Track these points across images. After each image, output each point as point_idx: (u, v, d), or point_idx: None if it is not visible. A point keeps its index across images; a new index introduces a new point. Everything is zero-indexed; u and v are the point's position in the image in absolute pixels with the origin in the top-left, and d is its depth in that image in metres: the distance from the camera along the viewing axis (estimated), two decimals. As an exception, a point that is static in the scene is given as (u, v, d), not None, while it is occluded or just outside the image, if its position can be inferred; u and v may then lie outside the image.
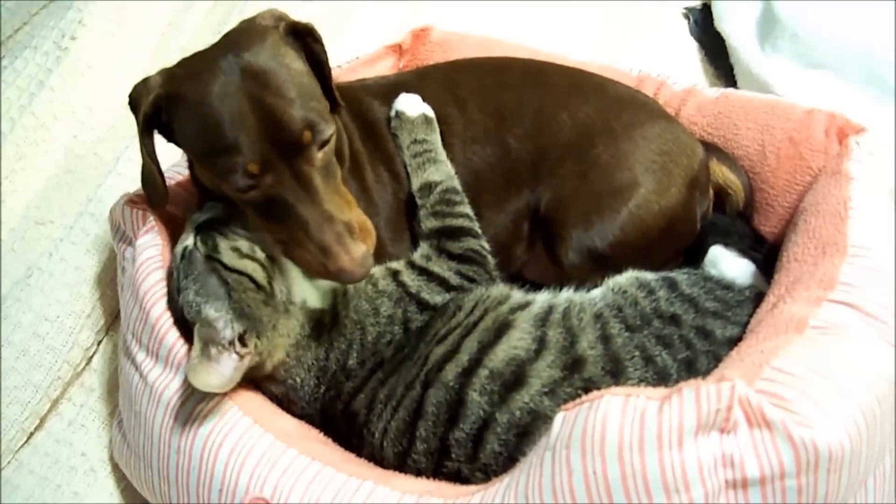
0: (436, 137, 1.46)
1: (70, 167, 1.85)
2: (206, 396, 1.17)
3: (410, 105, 1.47)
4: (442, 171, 1.43)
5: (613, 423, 0.89)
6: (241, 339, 1.15)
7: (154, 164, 1.26)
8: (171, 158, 1.50)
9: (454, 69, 1.63)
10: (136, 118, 1.22)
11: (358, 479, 1.08)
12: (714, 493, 0.88)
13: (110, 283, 1.63)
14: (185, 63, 1.23)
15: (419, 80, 1.58)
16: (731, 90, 1.70)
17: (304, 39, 1.27)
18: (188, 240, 1.25)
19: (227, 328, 1.15)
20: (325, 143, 1.19)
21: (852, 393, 0.95)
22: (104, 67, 1.94)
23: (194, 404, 1.18)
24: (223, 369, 1.11)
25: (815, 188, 1.40)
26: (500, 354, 1.17)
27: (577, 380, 1.13)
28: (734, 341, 1.19)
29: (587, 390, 1.00)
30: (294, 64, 1.21)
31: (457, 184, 1.43)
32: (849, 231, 1.21)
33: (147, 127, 1.22)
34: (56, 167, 1.86)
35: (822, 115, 1.48)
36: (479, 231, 1.41)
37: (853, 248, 1.18)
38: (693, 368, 1.16)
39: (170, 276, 1.29)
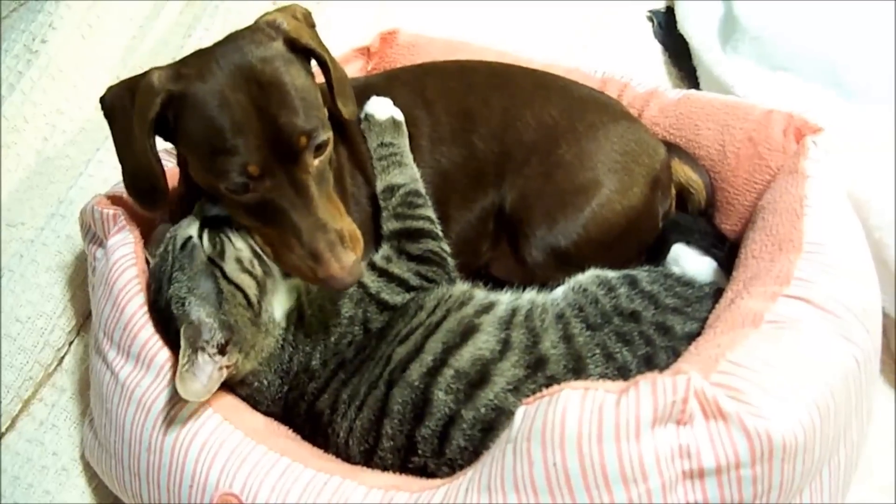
0: (403, 141, 1.47)
1: (41, 169, 1.85)
2: (176, 394, 1.18)
3: (380, 108, 1.48)
4: (406, 175, 1.43)
5: (572, 416, 0.90)
6: (223, 349, 1.16)
7: (158, 163, 1.25)
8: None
9: (422, 72, 1.64)
10: (139, 118, 1.21)
11: (326, 475, 1.09)
12: (671, 484, 0.89)
13: (81, 284, 1.64)
14: (190, 63, 1.22)
15: (388, 82, 1.59)
16: (692, 92, 1.71)
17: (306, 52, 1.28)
18: (191, 229, 1.25)
19: (212, 335, 1.15)
20: (320, 150, 1.21)
21: (806, 385, 0.98)
22: (75, 70, 1.94)
23: (165, 401, 1.18)
24: (203, 378, 1.12)
25: (773, 187, 1.42)
26: (466, 355, 1.18)
27: (540, 377, 1.15)
28: (693, 336, 1.20)
29: (549, 386, 1.02)
30: (295, 72, 1.22)
31: (420, 187, 1.44)
32: (804, 228, 1.23)
33: (153, 127, 1.22)
34: (27, 169, 1.85)
35: (781, 115, 1.49)
36: (440, 233, 1.41)
37: (808, 244, 1.20)
38: (652, 363, 1.17)
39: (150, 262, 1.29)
